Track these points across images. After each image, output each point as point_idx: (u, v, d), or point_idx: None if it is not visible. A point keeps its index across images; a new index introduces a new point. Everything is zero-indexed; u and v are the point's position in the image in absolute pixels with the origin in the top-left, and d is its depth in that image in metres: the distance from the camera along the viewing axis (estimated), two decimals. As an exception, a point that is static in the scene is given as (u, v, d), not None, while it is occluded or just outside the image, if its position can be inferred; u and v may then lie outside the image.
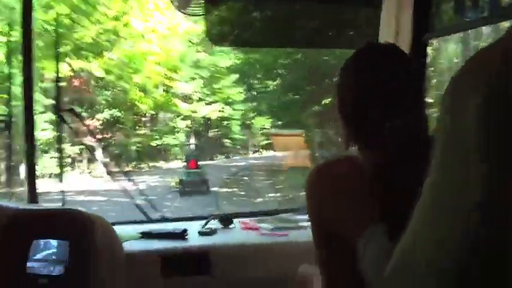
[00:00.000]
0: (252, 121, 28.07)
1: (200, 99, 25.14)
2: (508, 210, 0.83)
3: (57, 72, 3.19)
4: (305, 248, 2.35)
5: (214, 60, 25.02)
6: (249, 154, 29.61)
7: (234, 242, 2.76)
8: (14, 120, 3.06)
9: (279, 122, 25.97)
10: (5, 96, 18.02)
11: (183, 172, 17.54)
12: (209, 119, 26.40)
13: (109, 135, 20.67)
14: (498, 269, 0.85)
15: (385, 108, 1.48)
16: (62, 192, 3.13)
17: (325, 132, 19.10)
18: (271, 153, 28.77)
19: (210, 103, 25.39)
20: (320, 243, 1.56)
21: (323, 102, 17.67)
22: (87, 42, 17.95)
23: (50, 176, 16.22)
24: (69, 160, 19.65)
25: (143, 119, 24.60)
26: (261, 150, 30.08)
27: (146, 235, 2.80)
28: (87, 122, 19.51)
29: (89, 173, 21.16)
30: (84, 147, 19.63)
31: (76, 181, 17.97)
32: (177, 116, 24.94)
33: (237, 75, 24.31)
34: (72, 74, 17.44)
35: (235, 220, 3.07)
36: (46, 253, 2.16)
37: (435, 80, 10.47)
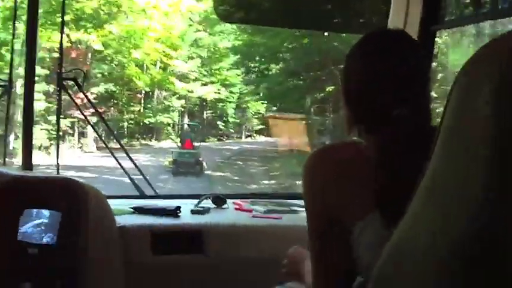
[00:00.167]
0: (248, 105, 28.04)
1: (197, 79, 25.06)
2: None
3: (61, 40, 3.14)
4: (298, 232, 2.39)
5: (214, 40, 24.95)
6: (242, 138, 29.59)
7: (227, 222, 2.77)
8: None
9: (274, 108, 25.97)
10: (1, 63, 17.99)
11: (178, 152, 17.51)
12: (205, 99, 26.33)
13: (102, 110, 20.62)
14: (501, 257, 0.84)
15: (394, 94, 1.49)
16: (57, 164, 3.13)
17: (326, 120, 19.04)
18: (263, 138, 28.81)
19: (206, 83, 25.32)
20: (317, 228, 1.56)
21: (327, 89, 17.58)
22: (87, 13, 17.85)
23: (39, 149, 16.15)
24: (59, 133, 19.54)
25: (138, 95, 24.51)
26: (254, 134, 30.09)
27: (138, 210, 2.81)
28: (80, 95, 19.43)
29: (80, 147, 21.09)
30: (76, 120, 19.65)
31: (66, 155, 17.89)
32: (173, 95, 24.87)
33: (237, 57, 24.22)
34: (69, 45, 17.36)
35: (228, 201, 3.09)
36: (37, 222, 2.16)
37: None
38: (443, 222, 0.91)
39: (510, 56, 0.82)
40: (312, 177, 1.54)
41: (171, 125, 26.21)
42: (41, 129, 17.26)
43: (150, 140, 25.06)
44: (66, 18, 15.60)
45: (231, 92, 27.15)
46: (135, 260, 2.55)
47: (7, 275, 2.14)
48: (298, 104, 20.17)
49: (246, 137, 30.35)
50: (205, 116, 28.01)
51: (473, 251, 0.85)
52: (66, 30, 16.04)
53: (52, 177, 2.58)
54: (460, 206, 0.87)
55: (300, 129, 18.69)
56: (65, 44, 16.39)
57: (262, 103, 27.18)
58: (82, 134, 21.43)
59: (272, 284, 2.05)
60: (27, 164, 2.92)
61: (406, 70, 1.50)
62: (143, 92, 24.42)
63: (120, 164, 3.16)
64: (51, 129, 17.15)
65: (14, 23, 3.15)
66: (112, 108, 22.19)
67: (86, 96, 3.12)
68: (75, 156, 19.10)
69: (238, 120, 29.61)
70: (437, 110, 1.45)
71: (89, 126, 20.40)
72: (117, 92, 22.16)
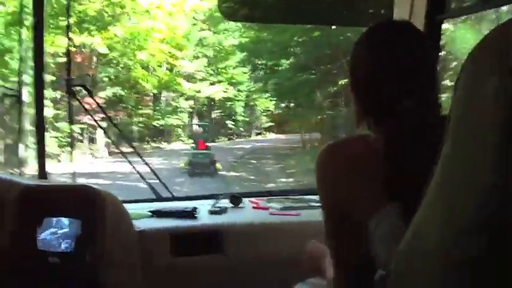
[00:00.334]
0: (256, 102, 28.03)
1: (204, 79, 25.08)
2: None
3: (69, 45, 3.17)
4: (316, 228, 2.40)
5: (219, 39, 24.95)
6: (251, 136, 29.60)
7: (244, 221, 2.79)
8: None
9: (283, 104, 25.93)
10: (5, 70, 18.05)
11: (192, 153, 17.58)
12: (213, 99, 26.35)
13: (111, 114, 20.68)
14: (510, 243, 0.84)
15: (399, 85, 1.51)
16: (73, 172, 3.16)
17: (339, 114, 18.95)
18: (273, 135, 28.79)
19: (213, 83, 25.34)
20: (331, 223, 1.59)
21: (340, 82, 17.49)
22: (90, 15, 17.85)
23: (50, 156, 16.23)
24: (69, 140, 19.61)
25: (146, 98, 24.55)
26: (264, 132, 30.09)
27: (156, 213, 2.84)
28: (89, 100, 19.48)
29: (90, 153, 21.13)
30: (85, 126, 19.70)
31: (77, 162, 17.93)
32: (181, 96, 24.90)
33: (243, 55, 24.17)
34: (74, 49, 17.37)
35: (245, 199, 3.12)
36: (57, 230, 2.19)
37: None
38: (450, 213, 0.91)
39: None
40: (324, 172, 1.58)
41: (181, 126, 26.26)
42: (50, 137, 17.32)
43: (161, 143, 25.10)
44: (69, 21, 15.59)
45: (238, 90, 27.17)
46: (154, 263, 2.58)
47: (28, 283, 2.17)
48: (310, 99, 20.08)
49: (256, 134, 30.38)
50: (213, 115, 28.05)
51: (481, 239, 0.85)
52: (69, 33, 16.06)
53: (69, 185, 2.62)
54: (468, 194, 0.87)
55: (313, 124, 18.69)
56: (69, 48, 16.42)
57: (271, 100, 27.18)
58: (92, 140, 21.48)
59: (293, 282, 2.06)
60: (42, 172, 2.96)
61: (411, 62, 1.51)
62: (151, 94, 24.46)
63: (135, 168, 3.19)
64: (61, 137, 17.23)
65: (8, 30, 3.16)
66: (120, 112, 22.21)
67: (96, 102, 3.14)
68: (86, 162, 19.13)
69: (247, 119, 29.63)
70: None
71: (98, 132, 20.44)
72: (125, 95, 22.18)
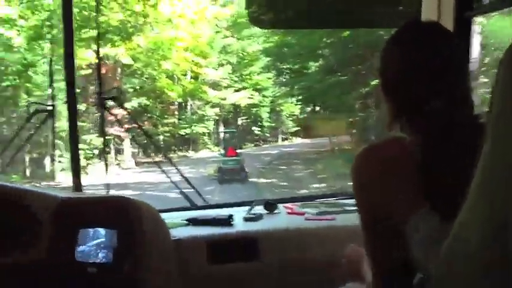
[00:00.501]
0: (282, 107, 28.01)
1: (229, 86, 25.16)
2: None
3: (99, 59, 3.20)
4: (352, 232, 2.41)
5: (243, 45, 25.01)
6: (278, 141, 29.58)
7: (280, 227, 2.80)
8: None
9: (308, 109, 25.82)
10: (29, 85, 18.29)
11: (222, 160, 17.64)
12: (238, 106, 26.41)
13: (138, 125, 20.82)
14: None
15: (427, 85, 1.53)
16: (107, 184, 3.21)
17: (370, 116, 18.82)
18: (299, 140, 28.71)
19: (239, 90, 25.40)
20: (368, 227, 1.61)
21: (371, 83, 17.36)
22: (113, 25, 18.00)
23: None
24: (95, 151, 19.81)
25: (171, 107, 24.67)
26: (290, 137, 30.06)
27: (192, 222, 2.86)
28: (115, 111, 19.66)
29: (117, 164, 21.29)
30: (111, 137, 19.88)
31: (104, 174, 18.00)
32: (206, 104, 24.99)
33: (267, 60, 24.20)
34: (97, 61, 17.52)
35: (279, 205, 3.13)
36: (94, 241, 2.23)
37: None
38: (489, 209, 0.91)
39: None
40: (359, 176, 1.60)
41: (207, 134, 26.35)
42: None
43: (187, 151, 25.22)
44: (92, 33, 15.72)
45: (263, 96, 27.20)
46: (191, 271, 2.60)
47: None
48: (340, 101, 19.92)
49: (283, 140, 30.35)
50: (239, 122, 28.09)
51: None
52: (93, 45, 16.20)
53: (104, 197, 2.66)
54: (507, 189, 0.88)
55: (342, 128, 18.57)
56: (93, 60, 16.61)
57: (296, 104, 27.17)
58: (118, 151, 21.66)
59: (331, 286, 2.08)
60: (77, 184, 3.01)
61: (439, 62, 1.53)
62: (176, 103, 24.59)
63: (168, 176, 3.23)
64: (87, 149, 17.42)
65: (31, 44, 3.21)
66: (146, 122, 22.37)
67: (129, 112, 3.20)
68: (113, 173, 19.29)
69: (273, 124, 29.63)
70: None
71: (125, 143, 20.60)
72: (150, 105, 22.34)
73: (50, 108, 3.08)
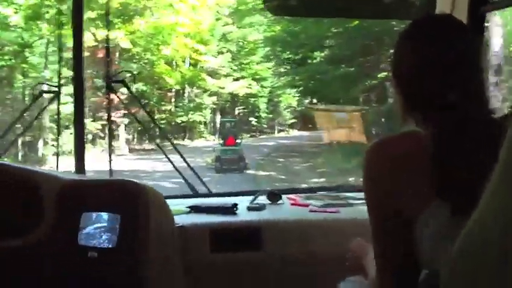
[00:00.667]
0: (280, 99, 27.97)
1: (228, 75, 25.11)
2: None
3: (107, 41, 3.17)
4: (356, 225, 2.45)
5: (244, 33, 24.94)
6: (275, 133, 29.56)
7: (284, 218, 2.81)
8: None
9: (306, 101, 25.69)
10: (25, 65, 18.20)
11: (220, 149, 17.64)
12: (236, 95, 26.37)
13: (134, 111, 20.69)
14: None
15: (441, 80, 1.53)
16: (110, 168, 3.22)
17: (376, 110, 18.70)
18: (296, 132, 28.69)
19: (237, 79, 25.34)
20: (376, 221, 1.61)
21: (379, 75, 17.23)
22: (114, 7, 17.85)
23: (69, 153, 16.29)
24: (89, 137, 19.75)
25: (169, 94, 24.62)
26: (287, 129, 30.05)
27: (195, 209, 2.89)
28: (112, 96, 19.59)
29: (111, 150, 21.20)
30: (106, 123, 19.81)
31: (98, 159, 17.99)
32: (204, 92, 24.94)
33: (267, 49, 24.11)
34: (96, 44, 17.44)
35: (283, 196, 3.15)
36: (97, 224, 2.23)
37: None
38: (507, 209, 0.91)
39: None
40: (369, 171, 1.60)
41: (203, 123, 26.32)
42: (71, 134, 17.34)
43: (183, 140, 25.16)
44: (92, 15, 15.54)
45: (262, 86, 27.15)
46: (194, 258, 2.63)
47: (67, 276, 2.24)
48: (344, 94, 19.57)
49: (279, 131, 30.34)
50: (236, 112, 28.07)
51: None
52: (92, 28, 16.05)
53: (109, 180, 2.67)
54: None
55: (342, 121, 18.46)
56: (92, 43, 16.47)
57: (294, 96, 27.13)
58: (113, 137, 21.62)
59: (333, 279, 2.08)
60: (80, 168, 3.03)
61: (453, 56, 1.54)
62: (173, 90, 24.53)
63: (173, 164, 3.25)
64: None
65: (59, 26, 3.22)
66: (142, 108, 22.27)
67: (136, 97, 3.22)
68: (106, 160, 19.18)
69: (270, 115, 29.61)
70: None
71: (120, 129, 20.54)
72: (148, 91, 22.28)
73: (56, 89, 3.08)
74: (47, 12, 17.08)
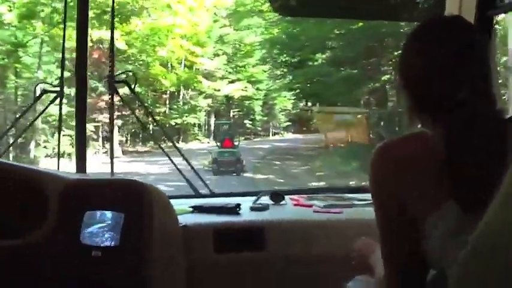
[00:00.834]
0: (275, 101, 28.00)
1: (223, 77, 25.14)
2: None
3: (112, 39, 3.16)
4: (360, 226, 2.48)
5: (241, 36, 24.96)
6: (269, 136, 29.58)
7: (287, 218, 2.84)
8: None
9: (301, 104, 25.67)
10: (18, 65, 18.12)
11: (218, 151, 17.67)
12: (231, 98, 26.40)
13: (128, 113, 20.60)
14: None
15: (450, 80, 1.54)
16: (111, 168, 3.23)
17: (377, 113, 18.65)
18: (291, 135, 28.70)
19: (233, 81, 25.37)
20: (383, 223, 1.64)
21: (382, 78, 17.14)
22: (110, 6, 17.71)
23: (63, 156, 16.20)
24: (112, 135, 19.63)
25: (163, 96, 24.61)
26: (282, 132, 30.08)
27: (198, 209, 2.90)
28: (104, 97, 19.61)
29: (104, 152, 21.15)
30: (100, 124, 19.77)
31: (91, 162, 17.83)
32: (199, 94, 24.95)
33: (264, 52, 24.13)
34: (91, 45, 17.36)
35: (286, 197, 3.17)
36: (101, 224, 2.23)
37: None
38: None
39: None
40: (375, 173, 1.63)
41: (197, 125, 26.32)
42: (63, 136, 17.23)
43: (178, 142, 25.15)
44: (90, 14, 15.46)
45: (257, 89, 27.19)
46: (197, 258, 2.64)
47: (70, 276, 2.23)
48: (346, 97, 19.57)
49: (274, 134, 30.37)
50: (231, 114, 28.08)
51: None
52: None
53: (113, 179, 2.69)
54: None
55: (342, 123, 18.44)
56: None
57: (289, 99, 27.17)
58: (107, 139, 21.57)
59: (337, 279, 2.09)
60: (81, 167, 3.04)
61: (461, 55, 1.55)
62: (168, 92, 24.52)
63: (175, 164, 3.27)
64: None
65: (64, 24, 3.24)
66: (137, 110, 22.29)
67: (138, 97, 3.24)
68: (100, 162, 19.18)
69: (265, 118, 29.64)
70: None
71: (114, 131, 20.47)
72: (142, 93, 22.25)
73: (58, 89, 3.10)
74: (42, 10, 17.06)
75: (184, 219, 2.69)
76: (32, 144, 18.56)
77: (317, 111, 24.03)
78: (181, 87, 24.37)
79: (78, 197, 2.33)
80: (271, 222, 2.77)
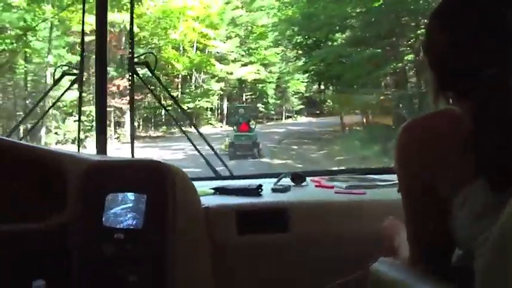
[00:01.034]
0: (288, 84, 27.92)
1: (236, 60, 25.08)
2: None
3: (132, 20, 3.19)
4: (384, 207, 2.49)
5: (253, 17, 24.89)
6: (282, 119, 29.52)
7: (309, 199, 2.87)
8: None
9: (314, 86, 25.53)
10: (27, 50, 18.12)
11: (234, 135, 17.74)
12: (244, 81, 26.35)
13: (140, 97, 20.60)
14: None
15: (481, 55, 1.52)
16: (132, 148, 3.26)
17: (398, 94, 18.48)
18: (304, 119, 28.60)
19: (246, 64, 25.31)
20: (409, 203, 1.66)
21: (405, 58, 16.93)
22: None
23: (73, 142, 16.26)
24: (93, 124, 19.69)
25: (176, 80, 24.60)
26: (295, 115, 30.03)
27: (219, 190, 2.93)
28: (116, 82, 19.64)
29: (116, 138, 21.22)
30: (112, 109, 19.80)
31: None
32: (212, 78, 24.92)
33: (276, 34, 24.03)
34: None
35: (307, 178, 3.20)
36: (123, 206, 2.25)
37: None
38: None
39: None
40: (401, 151, 1.64)
41: (209, 109, 26.31)
42: (74, 121, 17.26)
43: (190, 127, 25.12)
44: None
45: (270, 71, 27.11)
46: (220, 240, 2.65)
47: (94, 260, 2.26)
48: (364, 79, 19.20)
49: (287, 118, 30.31)
50: (244, 98, 28.05)
51: None
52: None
53: (136, 160, 2.71)
54: None
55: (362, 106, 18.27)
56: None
57: (302, 82, 27.08)
58: (118, 124, 21.64)
59: (360, 261, 2.10)
60: (102, 149, 3.08)
61: (493, 29, 1.52)
62: (180, 76, 24.51)
63: (195, 146, 3.29)
64: (86, 120, 17.33)
65: (84, 6, 3.27)
66: (149, 94, 22.32)
67: (160, 82, 3.26)
68: (112, 148, 19.22)
69: (278, 101, 29.58)
70: None
71: (126, 116, 20.54)
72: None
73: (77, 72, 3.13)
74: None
75: (206, 201, 2.70)
76: (43, 131, 18.61)
77: (335, 93, 23.85)
78: (194, 70, 24.34)
79: (100, 178, 2.36)
80: (293, 203, 2.79)
